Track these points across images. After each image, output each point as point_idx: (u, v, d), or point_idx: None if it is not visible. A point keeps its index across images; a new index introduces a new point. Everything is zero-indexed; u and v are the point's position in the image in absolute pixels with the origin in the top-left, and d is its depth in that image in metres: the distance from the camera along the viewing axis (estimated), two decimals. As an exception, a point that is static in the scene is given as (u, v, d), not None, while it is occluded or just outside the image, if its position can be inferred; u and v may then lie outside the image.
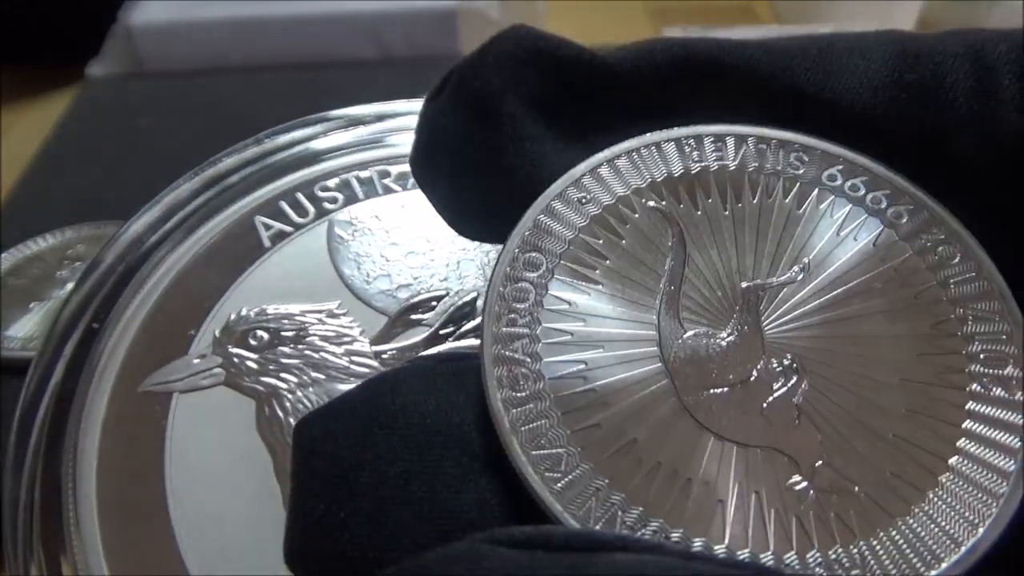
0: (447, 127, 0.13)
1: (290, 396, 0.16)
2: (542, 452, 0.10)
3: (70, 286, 0.20)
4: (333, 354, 0.17)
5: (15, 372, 0.21)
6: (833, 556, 0.10)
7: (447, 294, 0.19)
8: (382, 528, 0.10)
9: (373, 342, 0.18)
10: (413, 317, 0.18)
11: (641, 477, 0.10)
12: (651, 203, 0.12)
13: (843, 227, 0.12)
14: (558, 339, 0.11)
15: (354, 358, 0.17)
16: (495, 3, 0.36)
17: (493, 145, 0.13)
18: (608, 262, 0.12)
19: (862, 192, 0.12)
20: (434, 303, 0.19)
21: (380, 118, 0.22)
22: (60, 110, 0.35)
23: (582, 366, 0.11)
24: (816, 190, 0.12)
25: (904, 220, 0.12)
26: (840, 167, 0.12)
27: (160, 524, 0.15)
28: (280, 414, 0.16)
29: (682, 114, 0.13)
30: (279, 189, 0.20)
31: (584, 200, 0.12)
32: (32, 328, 0.25)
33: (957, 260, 0.12)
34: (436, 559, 0.09)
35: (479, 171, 0.13)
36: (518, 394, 0.11)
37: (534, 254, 0.12)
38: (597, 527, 0.10)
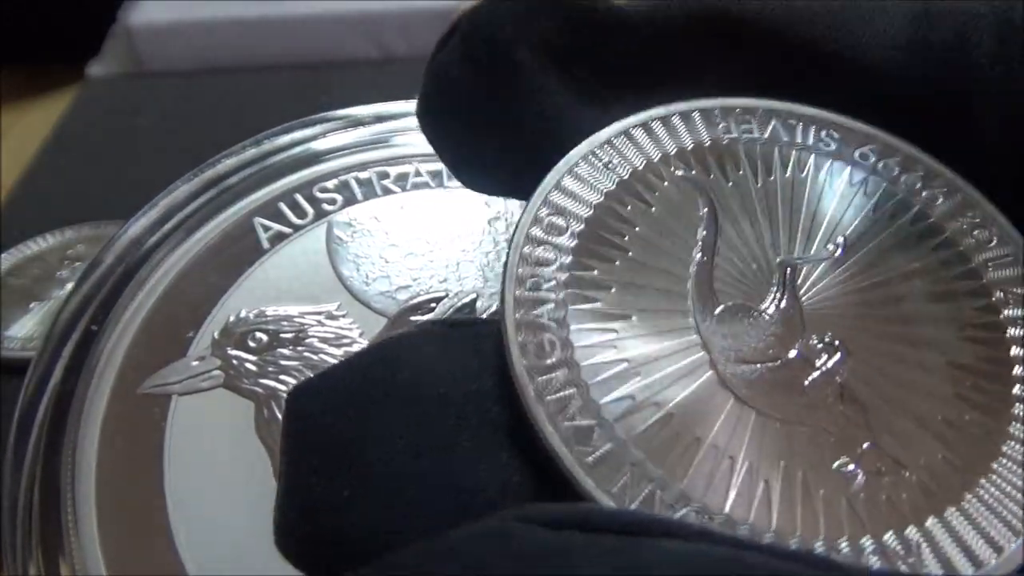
0: (455, 76, 0.12)
1: (289, 398, 0.16)
2: (572, 424, 0.10)
3: (70, 286, 0.20)
4: (332, 356, 0.17)
5: (15, 372, 0.21)
6: (888, 541, 0.09)
7: (447, 295, 0.19)
8: (392, 508, 0.09)
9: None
10: (412, 318, 0.18)
11: (679, 453, 0.10)
12: (680, 172, 0.12)
13: (878, 207, 0.12)
14: (586, 306, 0.10)
15: (353, 360, 0.17)
16: None
17: (504, 96, 0.12)
18: (637, 229, 0.11)
19: (896, 172, 0.12)
20: (433, 304, 0.18)
21: (379, 119, 0.22)
22: (60, 110, 0.34)
23: (613, 335, 0.10)
24: (849, 168, 0.12)
25: (939, 202, 0.12)
26: (872, 146, 0.12)
27: (159, 526, 0.15)
28: (279, 416, 0.16)
29: (697, 69, 0.13)
30: (278, 190, 0.20)
31: (611, 165, 0.12)
32: (32, 328, 0.25)
33: (994, 243, 0.12)
34: (463, 538, 0.08)
35: (488, 122, 0.12)
36: (544, 361, 0.10)
37: (558, 218, 0.11)
38: (633, 506, 0.09)
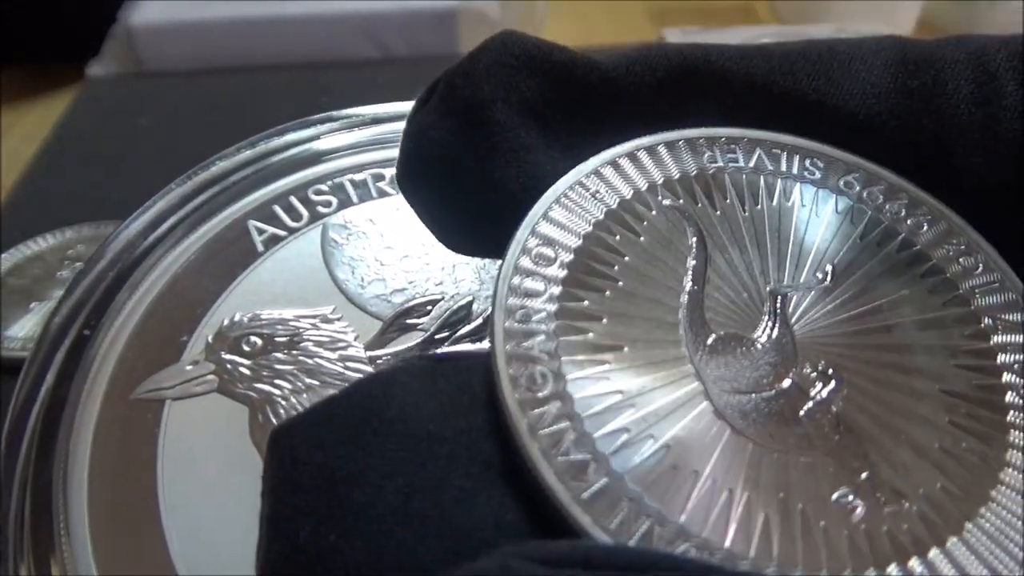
0: (435, 137, 0.12)
1: (284, 403, 0.16)
2: (566, 459, 0.09)
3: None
4: (327, 360, 0.17)
5: (15, 372, 0.21)
6: (892, 574, 0.09)
7: (442, 298, 0.19)
8: (381, 551, 0.09)
9: (368, 347, 0.18)
10: (408, 322, 0.18)
11: (676, 487, 0.09)
12: (668, 201, 0.12)
13: (864, 234, 0.12)
14: (577, 337, 0.10)
15: (348, 364, 0.17)
16: (495, 3, 0.36)
17: (484, 155, 0.12)
18: (626, 259, 0.11)
19: (880, 200, 0.12)
20: (429, 307, 0.18)
21: (374, 121, 0.22)
22: (60, 110, 0.35)
23: (605, 366, 0.10)
24: (834, 196, 0.12)
25: (924, 230, 0.12)
26: (856, 175, 0.12)
27: (152, 531, 0.15)
28: (274, 421, 0.16)
29: (679, 121, 0.13)
30: (272, 193, 0.20)
31: (598, 195, 0.12)
32: (32, 328, 0.25)
33: (980, 270, 0.12)
34: None
35: (469, 183, 0.12)
36: (536, 395, 0.10)
37: (547, 248, 0.11)
38: (632, 542, 0.09)
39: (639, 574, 0.08)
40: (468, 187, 0.12)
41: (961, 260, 0.12)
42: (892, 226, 0.12)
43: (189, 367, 0.17)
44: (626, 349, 0.10)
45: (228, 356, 0.17)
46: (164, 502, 0.15)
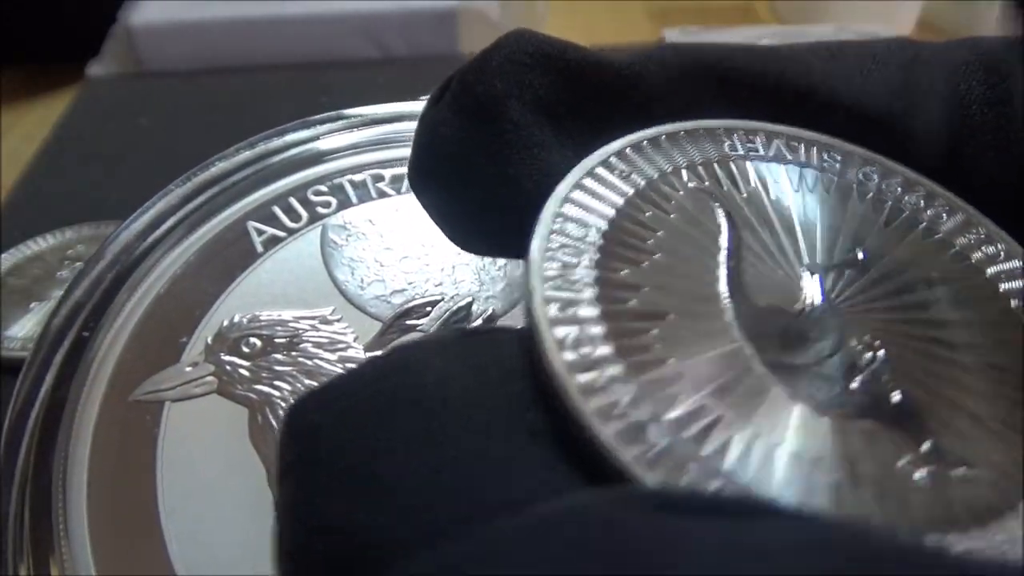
0: (448, 135, 0.12)
1: (283, 404, 0.16)
2: (624, 421, 0.09)
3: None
4: (327, 361, 0.17)
5: (15, 372, 0.21)
6: (974, 538, 0.09)
7: (442, 299, 0.19)
8: (419, 527, 0.09)
9: (367, 348, 0.18)
10: (408, 323, 0.18)
11: (738, 452, 0.09)
12: (693, 183, 0.12)
13: (888, 222, 0.12)
14: (619, 305, 0.10)
15: (348, 365, 0.17)
16: (495, 3, 0.36)
17: (497, 153, 0.12)
18: (659, 234, 0.11)
19: (899, 192, 0.12)
20: (429, 308, 0.18)
21: (374, 122, 0.22)
22: (60, 110, 0.35)
23: (652, 332, 0.10)
24: (854, 187, 0.12)
25: (944, 220, 0.12)
26: (873, 168, 0.12)
27: (151, 533, 0.15)
28: (273, 422, 0.16)
29: (692, 118, 0.13)
30: (272, 194, 0.20)
31: (624, 174, 0.11)
32: (32, 328, 0.25)
33: (1002, 258, 0.12)
34: (553, 519, 0.08)
35: (482, 180, 0.12)
36: (584, 358, 0.09)
37: (579, 221, 0.11)
38: None
39: (747, 517, 0.08)
40: (481, 184, 0.12)
41: (983, 248, 0.12)
42: (913, 215, 0.12)
43: (188, 368, 0.17)
44: (671, 317, 0.10)
45: (227, 357, 0.17)
46: (163, 503, 0.15)
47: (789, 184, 0.12)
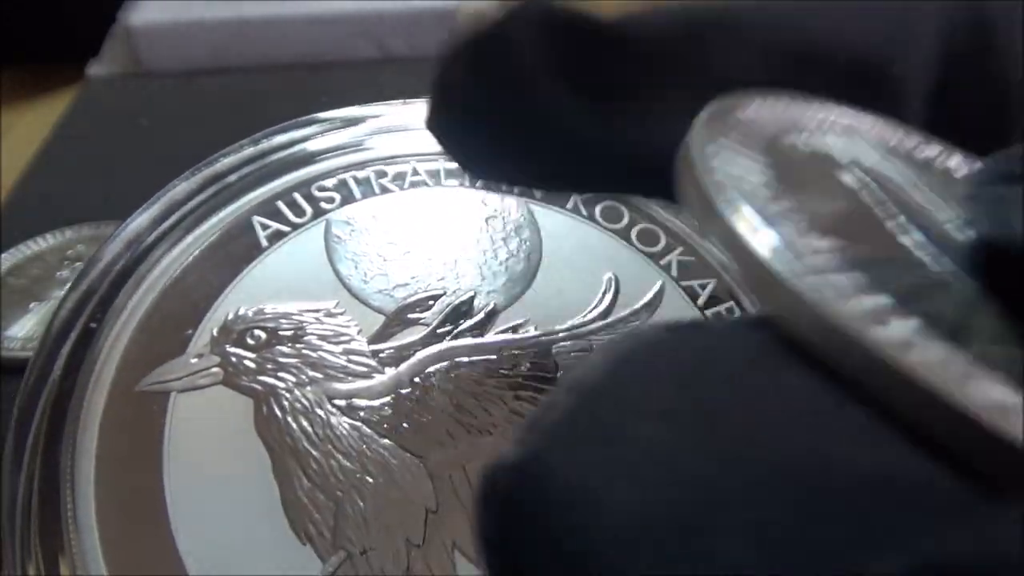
0: (467, 103, 0.13)
1: (288, 395, 0.16)
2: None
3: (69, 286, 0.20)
4: (331, 353, 0.17)
5: (15, 372, 0.21)
6: None
7: (444, 293, 0.19)
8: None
9: (371, 341, 0.18)
10: (411, 316, 0.18)
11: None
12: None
13: None
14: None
15: (352, 357, 0.17)
16: (496, 3, 0.36)
17: (522, 121, 0.12)
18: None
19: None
20: (432, 302, 0.19)
21: (377, 119, 0.22)
22: (60, 110, 0.35)
23: (838, 240, 0.09)
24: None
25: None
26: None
27: (159, 523, 0.15)
28: (278, 413, 0.16)
29: (699, 77, 0.13)
30: (276, 189, 0.20)
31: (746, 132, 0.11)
32: (32, 328, 0.25)
33: None
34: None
35: (511, 143, 0.13)
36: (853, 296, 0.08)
37: (743, 147, 0.10)
38: None
39: None
40: (510, 145, 0.13)
41: None
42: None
43: (194, 360, 0.17)
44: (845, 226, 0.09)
45: (233, 349, 0.17)
46: (170, 491, 0.15)
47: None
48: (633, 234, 0.20)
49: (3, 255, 0.27)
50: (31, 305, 0.25)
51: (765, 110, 0.12)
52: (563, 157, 0.12)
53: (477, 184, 0.21)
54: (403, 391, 0.17)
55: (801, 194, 0.09)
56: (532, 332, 0.18)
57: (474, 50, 0.12)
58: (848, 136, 0.12)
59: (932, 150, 0.13)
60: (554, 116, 0.12)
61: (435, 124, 0.13)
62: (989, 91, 0.13)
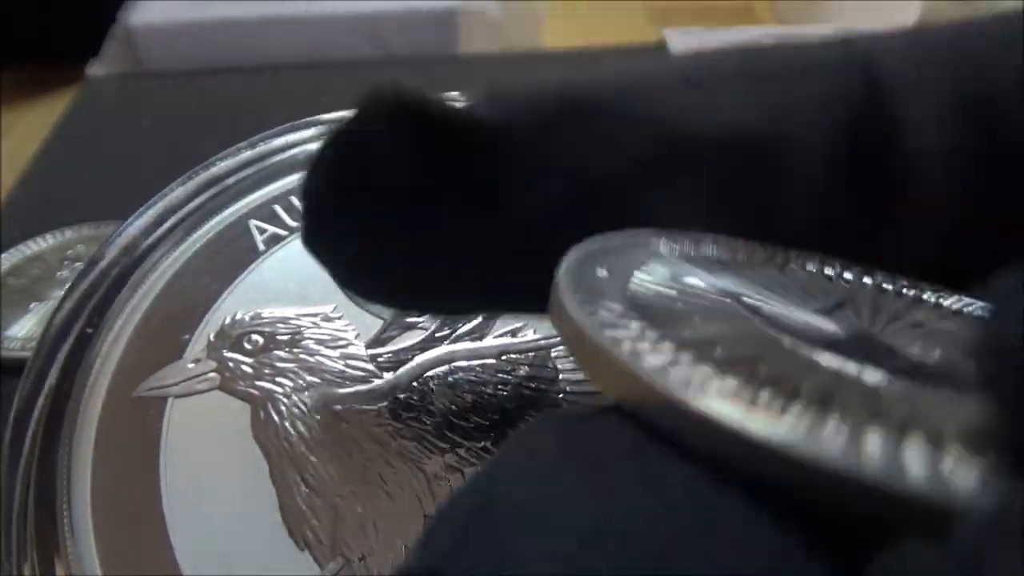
0: (333, 214, 0.12)
1: (285, 400, 0.16)
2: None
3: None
4: (328, 358, 0.17)
5: (15, 372, 0.21)
6: None
7: (443, 297, 0.19)
8: None
9: (368, 345, 0.18)
10: (408, 320, 0.18)
11: None
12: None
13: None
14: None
15: (349, 361, 0.17)
16: (495, 3, 0.36)
17: (379, 224, 0.12)
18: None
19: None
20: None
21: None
22: (60, 110, 0.35)
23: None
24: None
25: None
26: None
27: (155, 528, 0.15)
28: (275, 418, 0.16)
29: (566, 164, 0.12)
30: (273, 192, 0.20)
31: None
32: (32, 328, 0.25)
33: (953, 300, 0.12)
34: None
35: (374, 246, 0.12)
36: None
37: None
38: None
39: None
40: (375, 250, 0.12)
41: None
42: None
43: (191, 365, 0.17)
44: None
45: (230, 354, 0.17)
46: (167, 497, 0.15)
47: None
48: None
49: (3, 255, 0.26)
50: (31, 305, 0.25)
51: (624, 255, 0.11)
52: (434, 271, 0.12)
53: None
54: (401, 396, 0.17)
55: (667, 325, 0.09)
56: (531, 336, 0.18)
57: (332, 156, 0.12)
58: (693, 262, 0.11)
59: (780, 256, 0.12)
60: (414, 222, 0.12)
61: (305, 238, 0.13)
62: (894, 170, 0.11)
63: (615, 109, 0.12)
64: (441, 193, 0.12)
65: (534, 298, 0.10)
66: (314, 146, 0.21)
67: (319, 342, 0.17)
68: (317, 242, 0.13)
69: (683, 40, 0.36)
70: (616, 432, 0.08)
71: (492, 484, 0.08)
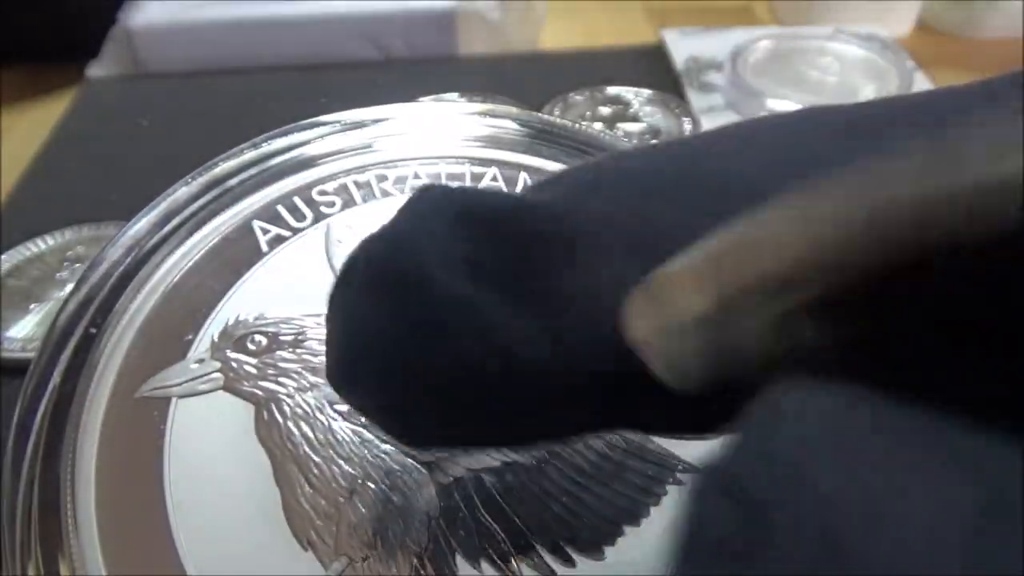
0: (370, 322, 0.11)
1: (289, 400, 0.16)
2: None
3: (69, 288, 0.20)
4: (332, 358, 0.17)
5: (15, 373, 0.21)
6: None
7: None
8: None
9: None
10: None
11: None
12: None
13: None
14: None
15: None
16: (495, 3, 0.36)
17: (433, 331, 0.10)
18: None
19: None
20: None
21: (376, 122, 0.22)
22: (60, 110, 0.35)
23: None
24: None
25: None
26: None
27: (159, 528, 0.15)
28: (279, 418, 0.16)
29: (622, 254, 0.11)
30: (276, 193, 0.20)
31: None
32: (32, 329, 0.25)
33: None
34: None
35: (419, 366, 0.10)
36: None
37: None
38: None
39: None
40: (418, 371, 0.10)
41: None
42: None
43: (195, 365, 0.17)
44: None
45: (233, 354, 0.17)
46: (171, 497, 0.15)
47: None
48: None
49: (3, 256, 0.26)
50: (31, 306, 0.25)
51: None
52: (489, 376, 0.10)
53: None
54: (404, 396, 0.17)
55: None
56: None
57: (368, 258, 0.11)
58: None
59: None
60: (469, 320, 0.10)
61: (340, 375, 0.11)
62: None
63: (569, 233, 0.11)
64: (496, 289, 0.10)
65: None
66: (314, 146, 0.21)
67: (322, 342, 0.17)
68: (355, 381, 0.11)
69: (681, 40, 0.36)
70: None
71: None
